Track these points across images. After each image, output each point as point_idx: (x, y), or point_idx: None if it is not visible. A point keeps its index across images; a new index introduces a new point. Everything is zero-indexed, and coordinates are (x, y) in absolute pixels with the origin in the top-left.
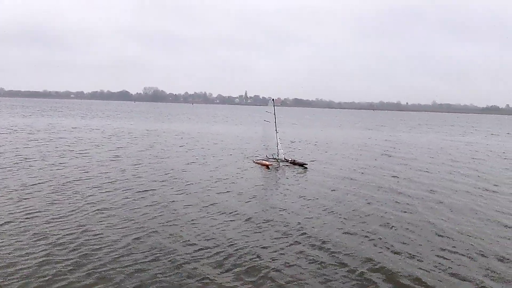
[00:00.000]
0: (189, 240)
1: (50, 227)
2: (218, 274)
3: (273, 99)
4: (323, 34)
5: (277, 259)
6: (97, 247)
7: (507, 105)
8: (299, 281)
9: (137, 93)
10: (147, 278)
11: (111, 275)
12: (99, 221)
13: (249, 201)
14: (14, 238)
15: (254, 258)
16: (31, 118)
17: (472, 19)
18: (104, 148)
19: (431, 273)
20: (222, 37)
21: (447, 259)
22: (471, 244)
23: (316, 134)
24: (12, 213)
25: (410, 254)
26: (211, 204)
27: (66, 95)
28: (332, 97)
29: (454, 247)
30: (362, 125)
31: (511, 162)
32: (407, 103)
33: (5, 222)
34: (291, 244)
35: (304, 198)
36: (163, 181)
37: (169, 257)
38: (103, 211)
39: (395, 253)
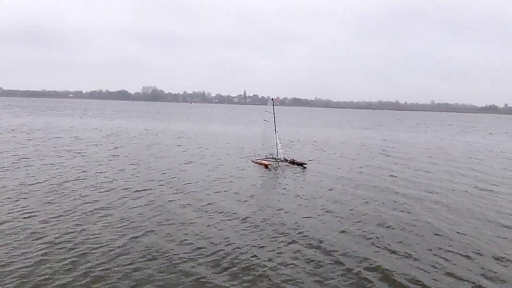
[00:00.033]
0: (186, 240)
1: (47, 226)
2: (215, 273)
3: (272, 99)
4: (323, 34)
5: (274, 259)
6: (94, 246)
7: (506, 104)
8: (296, 281)
9: (135, 92)
10: (144, 277)
11: (108, 274)
12: (96, 221)
13: (246, 201)
14: (11, 237)
15: (251, 257)
16: (29, 117)
17: (472, 19)
18: (101, 148)
19: (427, 273)
20: (222, 37)
21: (444, 259)
22: (468, 244)
23: (314, 133)
24: (9, 213)
25: (407, 253)
26: (208, 204)
27: (65, 94)
28: (332, 97)
29: (451, 246)
30: (360, 124)
31: (509, 161)
32: (405, 102)
33: (2, 222)
34: (288, 244)
35: (301, 198)
36: (160, 180)
37: (166, 257)
38: (100, 211)
39: (392, 252)
